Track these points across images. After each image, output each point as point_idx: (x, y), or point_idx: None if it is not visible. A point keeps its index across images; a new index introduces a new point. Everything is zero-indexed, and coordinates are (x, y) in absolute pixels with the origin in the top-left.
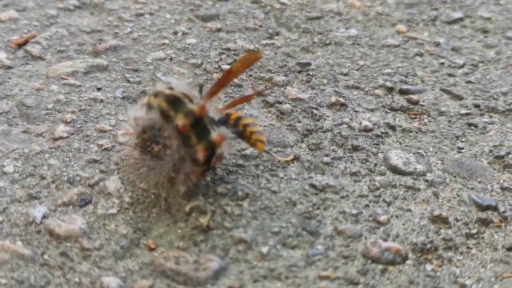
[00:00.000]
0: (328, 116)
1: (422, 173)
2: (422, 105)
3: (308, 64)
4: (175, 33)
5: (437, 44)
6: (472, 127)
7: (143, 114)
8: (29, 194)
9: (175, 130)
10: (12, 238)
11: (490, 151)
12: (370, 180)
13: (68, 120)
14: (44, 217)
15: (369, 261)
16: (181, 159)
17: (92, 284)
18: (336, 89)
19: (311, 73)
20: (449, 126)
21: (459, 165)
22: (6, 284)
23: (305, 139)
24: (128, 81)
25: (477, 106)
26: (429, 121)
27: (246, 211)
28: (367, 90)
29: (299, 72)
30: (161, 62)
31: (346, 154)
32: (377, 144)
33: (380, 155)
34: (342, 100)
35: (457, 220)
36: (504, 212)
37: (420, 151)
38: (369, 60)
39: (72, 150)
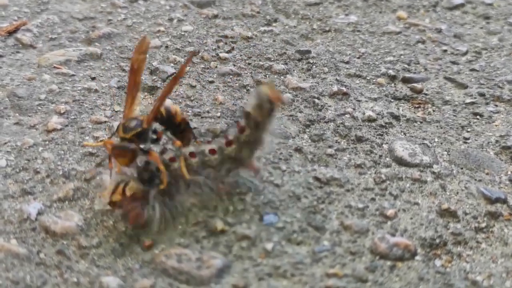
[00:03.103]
0: (330, 106)
1: (428, 164)
2: (426, 94)
3: (308, 51)
4: (171, 19)
5: (439, 31)
6: (477, 117)
7: None
8: (23, 189)
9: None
10: (6, 236)
11: (497, 141)
12: (375, 173)
13: (62, 111)
14: (39, 213)
15: (377, 257)
16: None
17: (91, 284)
18: (338, 77)
19: (311, 61)
20: (454, 115)
21: (465, 156)
22: (1, 285)
23: (307, 130)
24: (123, 70)
25: (482, 94)
26: (434, 111)
27: (249, 205)
28: (370, 79)
29: (299, 60)
30: (157, 50)
31: (350, 146)
32: (382, 135)
33: (385, 146)
34: (344, 89)
35: (466, 214)
36: None
37: (425, 141)
38: (370, 48)
39: (67, 142)
